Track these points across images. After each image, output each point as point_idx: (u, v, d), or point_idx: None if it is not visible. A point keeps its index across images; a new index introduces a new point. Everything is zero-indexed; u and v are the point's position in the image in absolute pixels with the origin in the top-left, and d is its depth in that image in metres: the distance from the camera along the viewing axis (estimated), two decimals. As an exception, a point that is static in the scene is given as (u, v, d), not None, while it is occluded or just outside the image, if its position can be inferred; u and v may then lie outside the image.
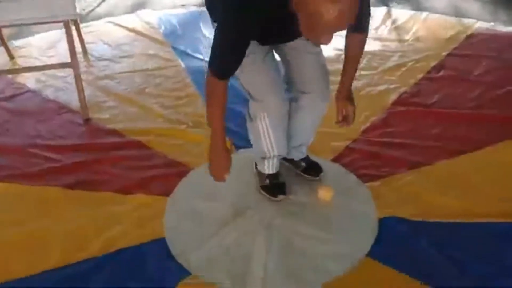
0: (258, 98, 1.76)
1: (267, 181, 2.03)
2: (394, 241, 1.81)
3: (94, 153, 2.38)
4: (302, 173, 2.12)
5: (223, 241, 1.83)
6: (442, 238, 1.81)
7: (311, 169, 2.13)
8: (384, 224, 1.88)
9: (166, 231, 1.89)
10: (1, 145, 2.47)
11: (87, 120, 2.67)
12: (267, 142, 1.87)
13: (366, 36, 1.72)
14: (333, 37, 1.31)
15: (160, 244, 1.85)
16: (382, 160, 2.26)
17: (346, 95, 1.84)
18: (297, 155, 2.11)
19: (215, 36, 1.49)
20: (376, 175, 2.16)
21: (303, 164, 2.12)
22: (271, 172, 2.01)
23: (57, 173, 2.24)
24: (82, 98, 2.65)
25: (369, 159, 2.27)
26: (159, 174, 2.23)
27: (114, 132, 2.57)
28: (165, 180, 2.18)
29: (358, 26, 1.56)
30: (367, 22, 1.68)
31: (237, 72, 1.56)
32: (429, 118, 2.58)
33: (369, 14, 1.66)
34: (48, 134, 2.55)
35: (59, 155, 2.36)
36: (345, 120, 1.86)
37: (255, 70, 1.72)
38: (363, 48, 1.76)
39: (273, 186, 2.02)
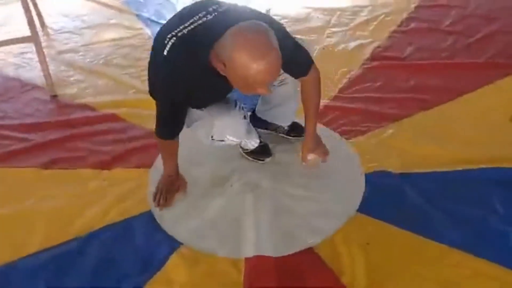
0: (213, 123, 1.65)
1: None
2: (383, 195, 1.81)
3: (66, 130, 2.28)
4: (285, 135, 2.09)
5: (212, 208, 1.80)
6: (429, 187, 1.83)
7: (294, 130, 2.10)
8: (371, 179, 1.88)
9: (151, 204, 1.84)
10: (-34, 129, 2.34)
11: (54, 96, 2.55)
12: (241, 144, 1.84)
13: (313, 75, 1.65)
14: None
15: (146, 218, 1.80)
16: (362, 116, 2.24)
17: (312, 146, 1.78)
18: (285, 121, 2.07)
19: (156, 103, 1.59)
20: (358, 131, 2.15)
21: (286, 128, 2.08)
22: (254, 147, 1.96)
23: (30, 153, 2.14)
24: (46, 74, 2.52)
25: (350, 116, 2.26)
26: (137, 146, 2.15)
27: (85, 107, 2.46)
28: (144, 152, 2.11)
29: (297, 72, 1.63)
30: (305, 64, 1.62)
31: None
32: (404, 71, 2.57)
33: (303, 59, 1.61)
34: (15, 113, 2.43)
35: (30, 135, 2.25)
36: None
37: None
38: (316, 90, 1.70)
39: (257, 150, 1.99)
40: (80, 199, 1.88)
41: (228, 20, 1.36)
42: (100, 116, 2.37)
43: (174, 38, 1.42)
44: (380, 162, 1.96)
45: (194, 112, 1.66)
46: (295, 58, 1.55)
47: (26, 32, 2.49)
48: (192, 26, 1.43)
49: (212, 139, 1.69)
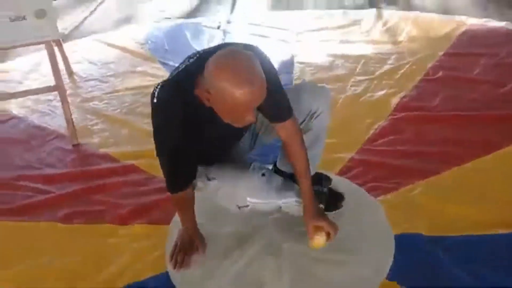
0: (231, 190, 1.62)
1: None
2: (413, 260, 1.69)
3: (86, 181, 2.25)
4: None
5: (231, 270, 1.70)
6: (462, 253, 1.70)
7: (318, 181, 1.87)
8: (400, 241, 1.77)
9: (167, 264, 1.76)
10: (-13, 178, 2.34)
11: (77, 146, 2.54)
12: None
13: (294, 125, 1.59)
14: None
15: (163, 279, 1.71)
16: (390, 171, 2.15)
17: (314, 212, 1.64)
18: None
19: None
20: (385, 188, 2.05)
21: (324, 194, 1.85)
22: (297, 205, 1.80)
23: (48, 206, 2.11)
24: (70, 123, 2.52)
25: (377, 171, 2.16)
26: (157, 200, 2.10)
27: (106, 157, 2.45)
28: (164, 207, 2.05)
29: (277, 115, 1.56)
30: (287, 109, 1.57)
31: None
32: (433, 123, 2.48)
33: (284, 101, 1.56)
34: (37, 163, 2.42)
35: (49, 186, 2.23)
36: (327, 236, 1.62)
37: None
38: (303, 145, 1.62)
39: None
40: (96, 258, 1.82)
41: (211, 56, 1.36)
42: (121, 167, 2.34)
43: (160, 85, 1.46)
44: (409, 223, 1.85)
45: (212, 185, 1.65)
46: (278, 100, 1.52)
47: (53, 80, 2.52)
48: (175, 72, 1.48)
49: (239, 207, 1.63)
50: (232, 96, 1.28)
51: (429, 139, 2.35)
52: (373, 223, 1.86)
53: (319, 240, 1.62)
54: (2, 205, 2.13)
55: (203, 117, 1.44)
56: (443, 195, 1.97)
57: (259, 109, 1.47)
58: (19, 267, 1.80)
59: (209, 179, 1.64)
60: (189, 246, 1.77)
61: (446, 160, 2.18)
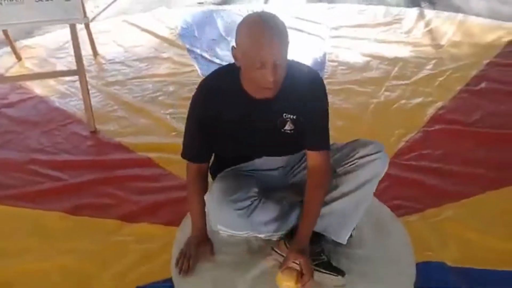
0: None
1: None
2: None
3: (99, 172, 2.18)
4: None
5: (240, 282, 1.58)
6: (491, 290, 1.56)
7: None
8: (422, 270, 1.62)
9: (172, 269, 1.67)
10: (1, 159, 2.29)
11: (94, 132, 2.48)
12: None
13: (324, 160, 1.48)
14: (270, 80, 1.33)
15: (168, 286, 1.62)
16: (419, 189, 2.01)
17: (299, 248, 1.46)
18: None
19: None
20: (411, 208, 1.91)
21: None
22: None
23: (57, 194, 2.06)
24: (88, 110, 2.46)
25: (403, 188, 2.02)
26: (169, 199, 2.02)
27: (122, 147, 2.38)
28: (175, 207, 1.96)
29: (312, 141, 1.50)
30: (323, 141, 1.49)
31: None
32: (471, 139, 2.31)
33: (323, 132, 1.50)
34: (51, 148, 2.37)
35: (61, 174, 2.17)
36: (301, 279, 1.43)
37: None
38: (321, 177, 1.49)
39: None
40: (100, 256, 1.75)
41: None
42: (135, 160, 2.27)
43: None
44: (434, 250, 1.71)
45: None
46: (318, 127, 1.49)
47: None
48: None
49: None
50: (247, 45, 1.32)
51: (464, 157, 2.18)
52: (394, 246, 1.71)
53: (287, 278, 1.44)
54: (12, 190, 2.09)
55: (238, 102, 1.46)
56: (473, 222, 1.82)
57: (298, 126, 1.48)
58: (22, 260, 1.74)
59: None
60: (196, 253, 1.67)
61: (481, 183, 2.02)
